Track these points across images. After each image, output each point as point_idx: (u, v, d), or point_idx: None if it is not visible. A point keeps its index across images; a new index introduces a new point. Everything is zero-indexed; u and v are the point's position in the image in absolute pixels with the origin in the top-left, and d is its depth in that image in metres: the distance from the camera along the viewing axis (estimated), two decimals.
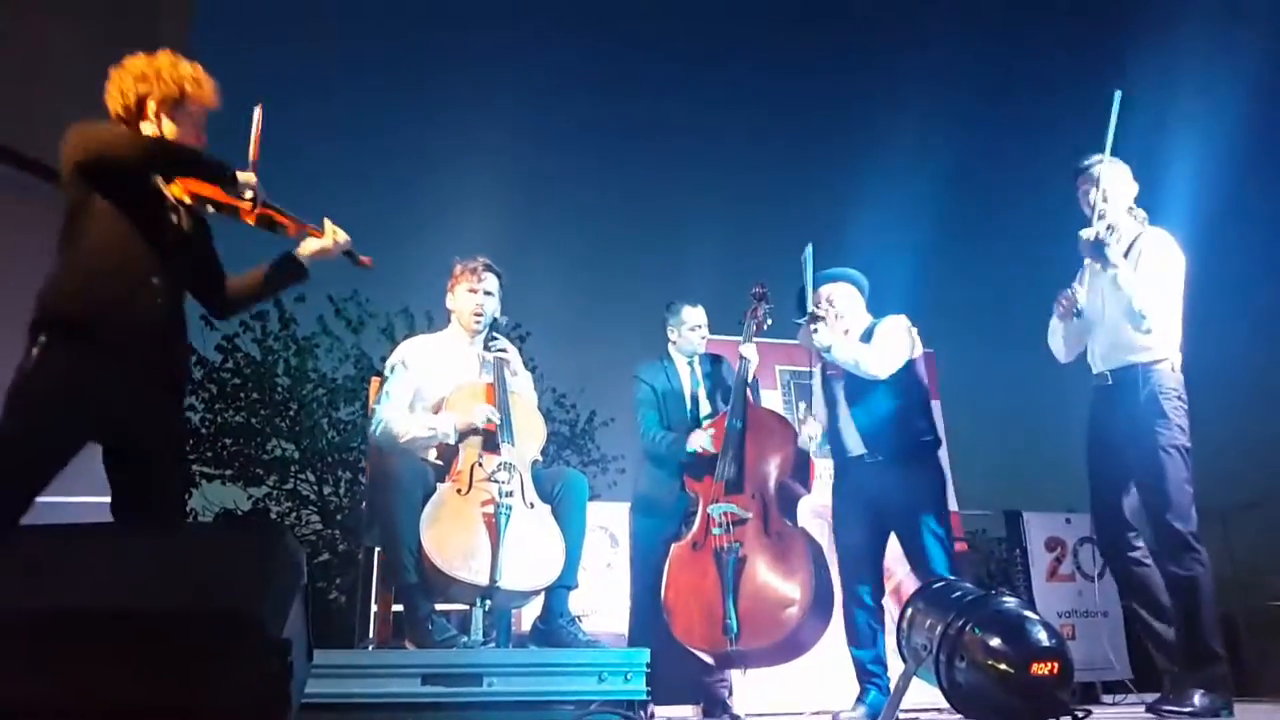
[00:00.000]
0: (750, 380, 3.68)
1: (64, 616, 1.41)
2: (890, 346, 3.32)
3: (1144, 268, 3.10)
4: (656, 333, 3.98)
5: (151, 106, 2.22)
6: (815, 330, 3.31)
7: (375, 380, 3.40)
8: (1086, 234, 3.11)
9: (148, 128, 2.23)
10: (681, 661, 3.36)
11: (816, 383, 3.63)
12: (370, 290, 12.71)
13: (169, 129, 2.24)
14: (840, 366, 3.35)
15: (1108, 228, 3.09)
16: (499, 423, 3.00)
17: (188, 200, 2.26)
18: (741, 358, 3.60)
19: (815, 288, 3.45)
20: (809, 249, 3.42)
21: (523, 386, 3.27)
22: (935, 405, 5.84)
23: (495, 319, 3.27)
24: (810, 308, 3.38)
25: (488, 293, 3.25)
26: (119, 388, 2.10)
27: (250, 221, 2.28)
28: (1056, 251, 3.34)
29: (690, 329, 3.82)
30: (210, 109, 2.30)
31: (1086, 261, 3.25)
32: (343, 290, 12.64)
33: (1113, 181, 3.20)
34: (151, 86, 2.21)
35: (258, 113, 2.29)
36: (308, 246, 2.49)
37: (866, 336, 3.38)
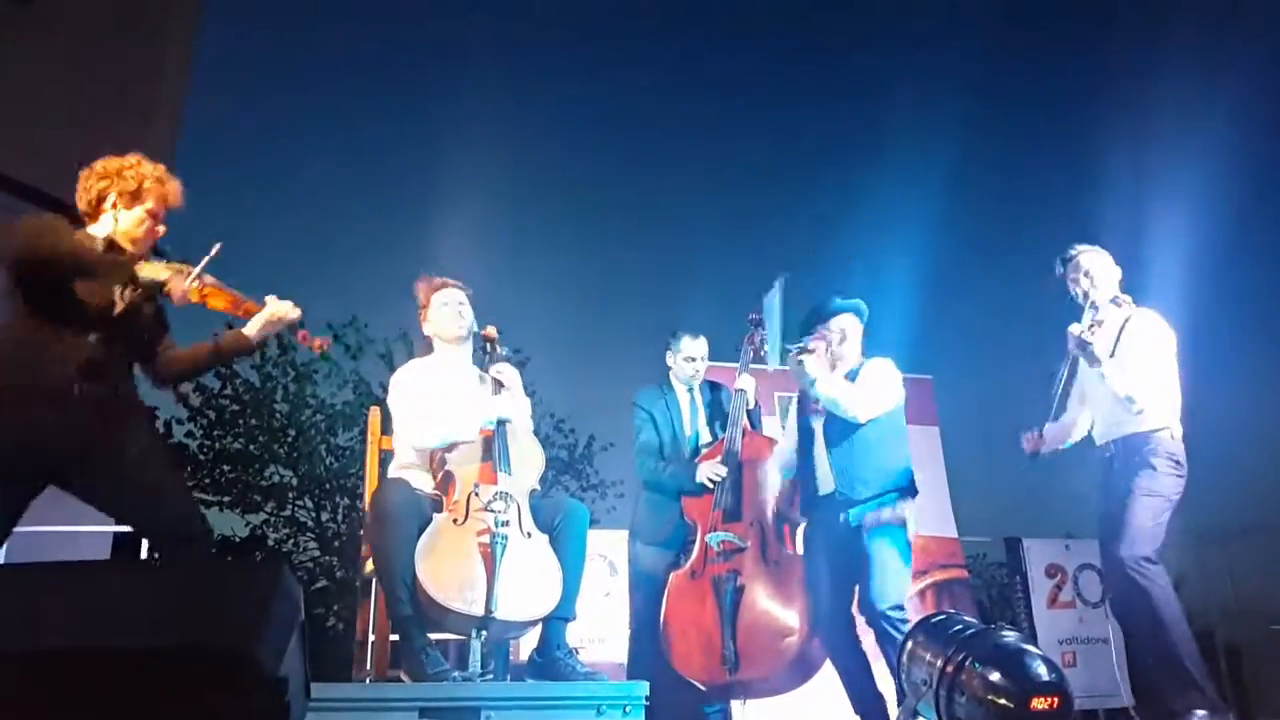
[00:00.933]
0: (752, 408, 3.67)
1: (58, 655, 1.40)
2: (875, 391, 3.25)
3: (1131, 361, 3.12)
4: (656, 357, 3.97)
5: (110, 199, 2.52)
6: (801, 361, 3.23)
7: (375, 409, 3.40)
8: (1074, 330, 3.11)
9: (106, 218, 2.52)
10: (681, 692, 3.34)
11: (791, 415, 3.58)
12: (369, 316, 12.74)
13: (126, 219, 2.52)
14: (820, 401, 3.27)
15: (1090, 327, 3.08)
16: (496, 451, 2.99)
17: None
18: (738, 389, 3.59)
19: (829, 315, 3.38)
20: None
21: (520, 414, 3.26)
22: (934, 431, 5.88)
23: (476, 333, 3.29)
24: (804, 339, 3.31)
25: (460, 302, 3.29)
26: (58, 426, 2.31)
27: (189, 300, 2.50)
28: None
29: (685, 359, 3.80)
30: (171, 206, 2.57)
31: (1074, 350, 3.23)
32: (342, 316, 12.67)
33: (1098, 270, 3.28)
34: (112, 182, 2.51)
35: (216, 248, 2.50)
36: (254, 323, 2.63)
37: (853, 375, 3.31)
